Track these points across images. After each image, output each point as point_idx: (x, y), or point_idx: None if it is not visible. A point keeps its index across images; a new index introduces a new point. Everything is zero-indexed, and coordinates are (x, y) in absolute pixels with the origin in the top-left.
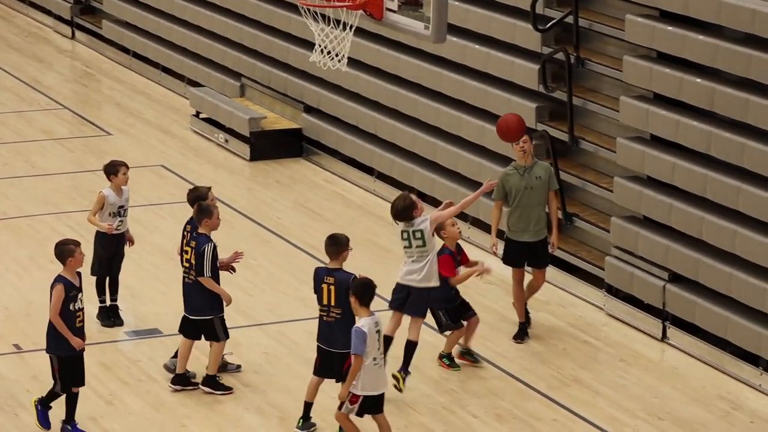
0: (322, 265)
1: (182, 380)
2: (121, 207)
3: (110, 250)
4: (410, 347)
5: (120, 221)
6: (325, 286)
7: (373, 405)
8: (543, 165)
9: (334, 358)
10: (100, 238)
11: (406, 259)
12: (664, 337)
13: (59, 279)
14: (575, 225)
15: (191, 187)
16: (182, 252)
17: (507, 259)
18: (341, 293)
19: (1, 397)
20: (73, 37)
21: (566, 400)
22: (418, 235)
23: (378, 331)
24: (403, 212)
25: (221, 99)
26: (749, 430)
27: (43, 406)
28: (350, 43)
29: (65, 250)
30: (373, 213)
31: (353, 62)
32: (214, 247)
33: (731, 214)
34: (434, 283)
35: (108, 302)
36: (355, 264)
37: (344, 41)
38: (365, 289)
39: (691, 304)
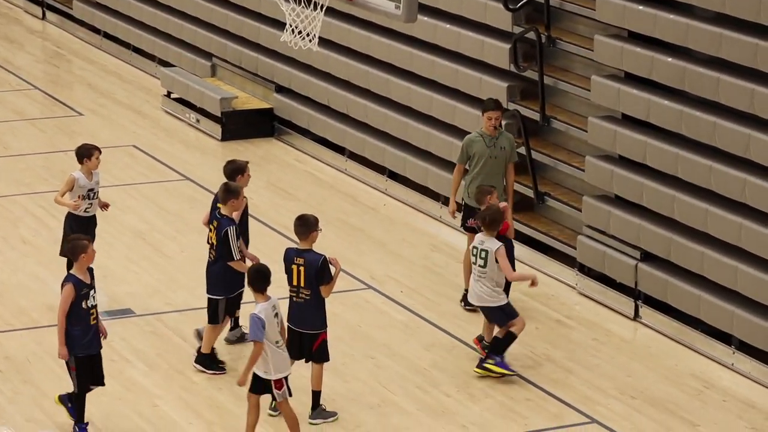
0: (293, 246)
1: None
2: (90, 190)
3: (80, 232)
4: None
5: (89, 203)
6: (294, 267)
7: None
8: (507, 136)
9: (304, 339)
10: (70, 220)
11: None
12: (636, 316)
13: (69, 278)
14: (547, 204)
15: (229, 159)
16: (209, 225)
17: (465, 225)
18: (311, 274)
19: None
20: (43, 17)
21: (539, 379)
22: (483, 254)
23: (276, 314)
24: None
25: (192, 79)
26: (721, 408)
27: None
28: (321, 23)
29: (78, 246)
30: (345, 192)
31: (324, 42)
32: (236, 228)
33: (703, 193)
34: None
35: None
36: (326, 244)
37: (315, 21)
38: (258, 275)
39: (663, 283)
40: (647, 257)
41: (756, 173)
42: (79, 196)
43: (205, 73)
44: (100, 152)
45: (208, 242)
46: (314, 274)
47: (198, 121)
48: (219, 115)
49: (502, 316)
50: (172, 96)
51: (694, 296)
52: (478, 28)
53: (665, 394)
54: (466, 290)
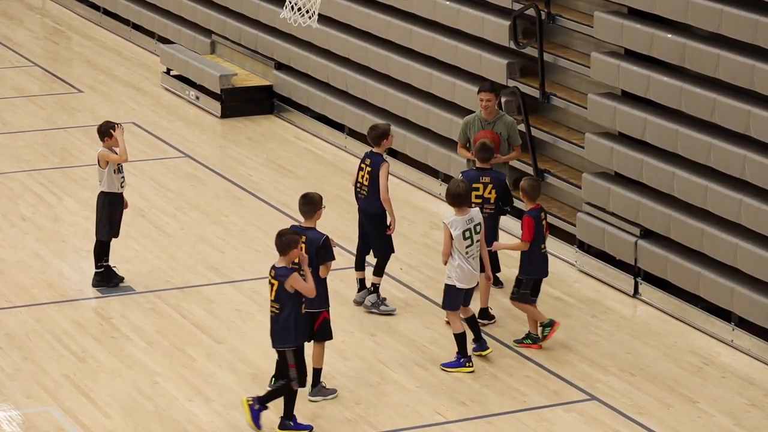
0: (297, 224)
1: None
2: (120, 165)
3: (119, 210)
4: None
5: (122, 177)
6: None
7: None
8: (506, 121)
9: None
10: (110, 199)
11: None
12: (635, 293)
13: (286, 271)
14: (546, 181)
15: (372, 124)
16: (356, 184)
17: None
18: (311, 252)
19: None
20: None
21: (538, 356)
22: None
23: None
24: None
25: (192, 56)
26: (721, 385)
27: (262, 404)
28: (320, 0)
29: (293, 240)
30: (344, 169)
31: (324, 19)
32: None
33: (703, 169)
34: None
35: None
36: (326, 221)
37: None
38: None
39: (662, 260)
40: (647, 234)
41: (756, 150)
42: (114, 171)
43: (205, 50)
44: (122, 128)
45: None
46: (315, 252)
47: (197, 98)
48: (218, 92)
49: None
50: (172, 73)
51: (693, 273)
52: (477, 5)
53: (665, 371)
54: None
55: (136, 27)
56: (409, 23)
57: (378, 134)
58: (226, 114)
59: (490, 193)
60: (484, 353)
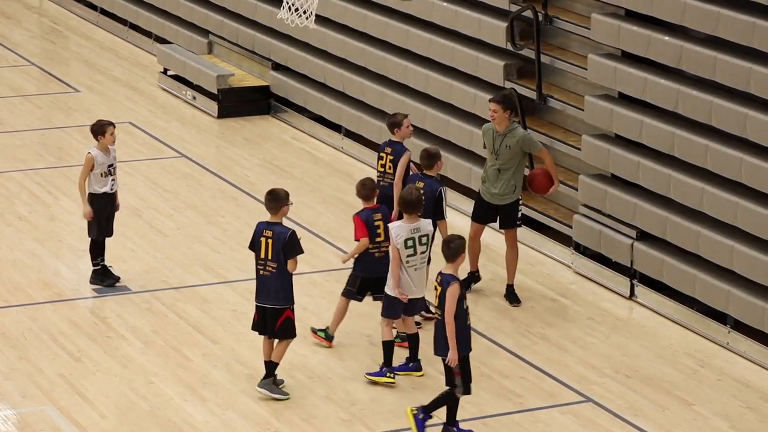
0: (263, 221)
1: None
2: (110, 166)
3: (107, 210)
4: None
5: (112, 180)
6: (263, 239)
7: None
8: (517, 135)
9: (266, 314)
10: (97, 199)
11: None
12: (632, 295)
13: (452, 278)
14: None
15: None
16: (378, 173)
17: (473, 215)
18: (278, 247)
19: None
20: None
21: (534, 358)
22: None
23: None
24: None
25: (189, 56)
26: (716, 387)
27: (426, 413)
28: (318, 1)
29: (462, 245)
30: (341, 170)
31: (321, 19)
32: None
33: (699, 172)
34: None
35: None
36: (322, 221)
37: None
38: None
39: (658, 262)
40: (643, 236)
41: (752, 152)
42: (100, 174)
43: (202, 50)
44: (114, 127)
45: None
46: (281, 248)
47: (194, 98)
48: (215, 92)
49: None
50: (169, 73)
51: (689, 275)
52: (474, 6)
53: (660, 373)
54: (471, 272)
55: (134, 27)
56: (406, 24)
57: (392, 122)
58: (222, 114)
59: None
60: (414, 374)
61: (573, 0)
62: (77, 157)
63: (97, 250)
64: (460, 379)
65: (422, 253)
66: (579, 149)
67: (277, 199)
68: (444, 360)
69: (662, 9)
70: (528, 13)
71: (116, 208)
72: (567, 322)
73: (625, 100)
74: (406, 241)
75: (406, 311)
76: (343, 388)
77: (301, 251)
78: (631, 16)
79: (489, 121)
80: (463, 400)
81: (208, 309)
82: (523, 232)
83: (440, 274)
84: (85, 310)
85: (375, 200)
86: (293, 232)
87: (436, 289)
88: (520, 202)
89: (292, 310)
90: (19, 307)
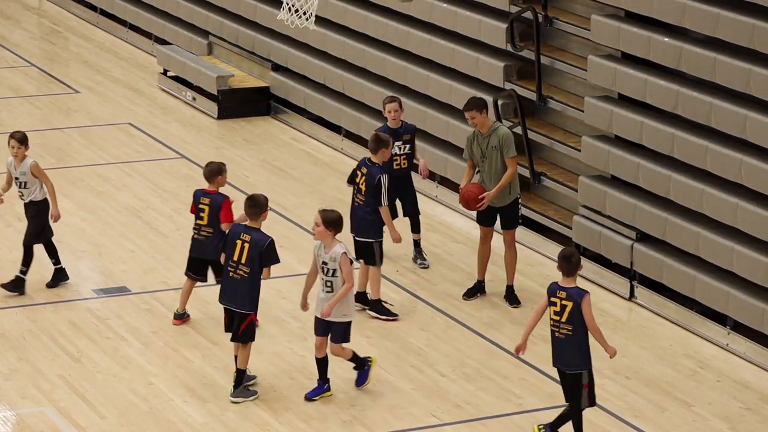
0: (243, 223)
1: (378, 307)
2: (16, 179)
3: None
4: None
5: (20, 192)
6: (239, 242)
7: None
8: (500, 133)
9: (234, 317)
10: (42, 207)
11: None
12: (631, 297)
13: (580, 290)
14: (543, 184)
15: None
16: (358, 170)
17: (478, 218)
18: (254, 253)
19: None
20: None
21: (534, 359)
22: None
23: None
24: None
25: (189, 57)
26: (715, 388)
27: (554, 430)
28: (318, 2)
29: (579, 260)
30: (341, 171)
31: (321, 20)
32: (388, 178)
33: (699, 173)
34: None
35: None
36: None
37: None
38: None
39: (658, 264)
40: (643, 237)
41: (752, 154)
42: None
43: (202, 51)
44: (15, 139)
45: (349, 182)
46: (258, 255)
47: (194, 99)
48: (215, 93)
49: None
50: (169, 74)
51: (689, 276)
52: (474, 7)
53: (660, 374)
54: (479, 281)
55: (134, 28)
56: (406, 25)
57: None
58: (222, 115)
59: (363, 184)
60: (317, 397)
61: (573, 1)
62: (77, 158)
63: (51, 253)
64: (587, 392)
65: (328, 273)
66: (579, 150)
67: (257, 205)
68: (567, 372)
69: (662, 10)
70: (528, 15)
71: (55, 218)
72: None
73: (624, 101)
74: (316, 258)
75: (317, 329)
76: (342, 389)
77: (278, 260)
78: (631, 18)
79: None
80: (463, 401)
81: (208, 310)
82: (522, 233)
83: (563, 288)
84: (84, 311)
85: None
86: (272, 241)
87: (555, 304)
88: (519, 201)
89: (255, 315)
90: (19, 308)
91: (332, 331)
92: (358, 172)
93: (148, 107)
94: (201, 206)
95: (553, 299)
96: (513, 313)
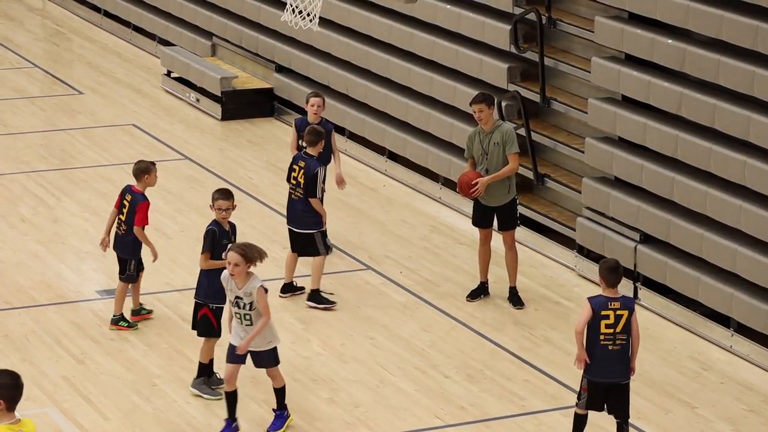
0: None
1: (290, 288)
2: None
3: None
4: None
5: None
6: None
7: None
8: (502, 130)
9: (195, 307)
10: None
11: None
12: (635, 298)
13: (592, 299)
14: (546, 186)
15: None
16: (295, 165)
17: (474, 220)
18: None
19: None
20: None
21: (537, 360)
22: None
23: None
24: None
25: (192, 58)
26: (719, 390)
27: None
28: (321, 3)
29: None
30: (345, 173)
31: (325, 22)
32: (325, 171)
33: (702, 175)
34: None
35: None
36: (327, 224)
37: (315, 1)
38: None
39: (662, 265)
40: (646, 239)
41: (756, 155)
42: None
43: (206, 52)
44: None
45: (289, 180)
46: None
47: (198, 100)
48: (219, 94)
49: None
50: (172, 75)
51: (692, 278)
52: (478, 9)
53: (663, 376)
54: (482, 282)
55: (137, 29)
56: (409, 27)
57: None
58: (226, 116)
59: (301, 177)
60: (283, 427)
61: (576, 3)
62: (81, 159)
63: None
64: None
65: (244, 307)
66: (582, 152)
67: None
68: (622, 383)
69: (665, 12)
70: (531, 16)
71: None
72: (570, 325)
73: (628, 103)
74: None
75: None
76: (346, 390)
77: (208, 249)
78: (635, 19)
79: (470, 115)
80: (466, 402)
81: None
82: (526, 235)
83: (614, 299)
84: (87, 312)
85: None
86: (209, 230)
87: (608, 317)
88: (517, 201)
89: (211, 309)
90: (22, 309)
91: (261, 359)
92: (295, 167)
93: (152, 108)
94: (124, 202)
95: (605, 312)
96: (516, 314)
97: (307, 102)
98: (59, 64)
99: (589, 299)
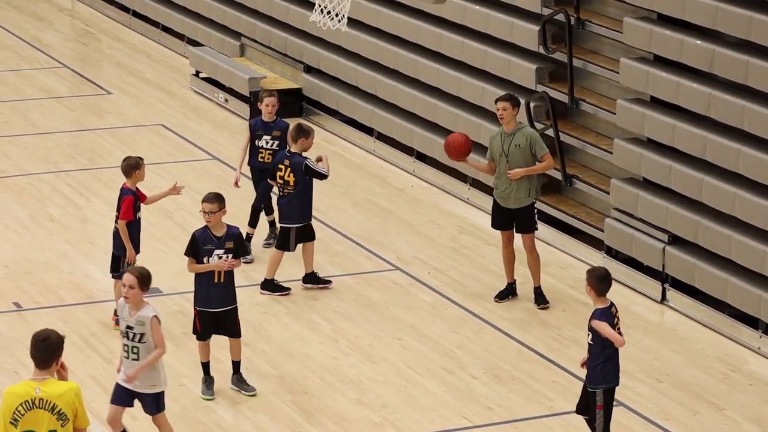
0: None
1: (270, 286)
2: None
3: None
4: None
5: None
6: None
7: None
8: (526, 132)
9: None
10: None
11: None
12: (663, 299)
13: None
14: (575, 187)
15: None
16: (280, 164)
17: (493, 223)
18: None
19: (2, 355)
20: None
21: (565, 361)
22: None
23: None
24: None
25: (221, 58)
26: (747, 392)
27: None
28: (350, 4)
29: None
30: (373, 173)
31: (353, 22)
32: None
33: (731, 176)
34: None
35: None
36: (353, 224)
37: (344, 1)
38: None
39: (690, 266)
40: (675, 240)
41: None
42: None
43: (234, 52)
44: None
45: (277, 180)
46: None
47: (227, 100)
48: (247, 94)
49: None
50: (201, 75)
51: (721, 280)
52: (507, 10)
53: (692, 378)
54: (509, 283)
55: (166, 29)
56: (438, 27)
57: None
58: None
59: (289, 176)
60: None
61: (605, 4)
62: (109, 159)
63: None
64: (603, 412)
65: (133, 340)
66: (611, 153)
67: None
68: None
69: (694, 13)
70: (560, 17)
71: None
72: None
73: (657, 104)
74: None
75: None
76: (374, 390)
77: (188, 253)
78: (663, 20)
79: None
80: (494, 403)
81: (239, 312)
82: (554, 236)
83: (612, 306)
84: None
85: None
86: (192, 234)
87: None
88: (536, 204)
89: (195, 310)
90: (51, 308)
91: (144, 402)
92: (281, 166)
93: (181, 109)
94: (118, 199)
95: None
96: (544, 315)
97: (261, 101)
98: (88, 64)
99: (601, 318)
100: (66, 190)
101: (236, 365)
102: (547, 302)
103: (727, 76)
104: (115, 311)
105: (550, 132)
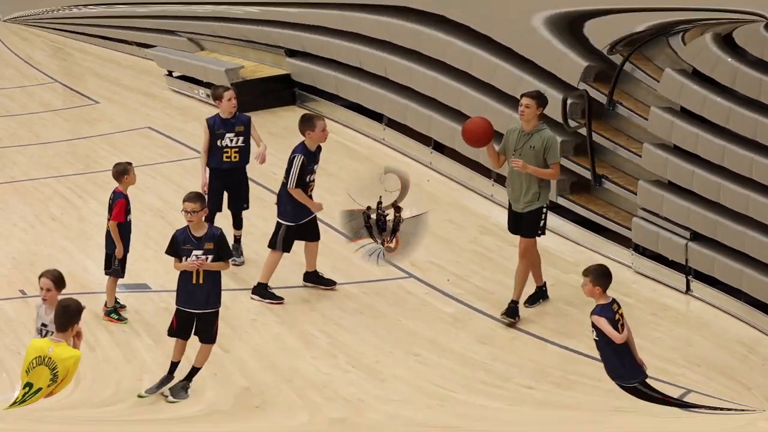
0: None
1: (261, 291)
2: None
3: None
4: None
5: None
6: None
7: None
8: (544, 135)
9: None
10: None
11: None
12: (688, 290)
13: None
14: (604, 186)
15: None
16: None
17: (509, 226)
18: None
19: (8, 337)
20: None
21: None
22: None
23: None
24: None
25: (186, 55)
26: (763, 371)
27: None
28: None
29: None
30: (382, 165)
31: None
32: (305, 159)
33: (746, 181)
34: None
35: None
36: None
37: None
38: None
39: (710, 260)
40: (696, 237)
41: None
42: None
43: (191, 49)
44: None
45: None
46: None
47: (208, 95)
48: (229, 87)
49: None
50: (175, 74)
51: (737, 271)
52: None
53: (722, 361)
54: (539, 287)
55: (118, 39)
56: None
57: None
58: (241, 109)
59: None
60: None
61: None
62: (103, 163)
63: None
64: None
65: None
66: (640, 156)
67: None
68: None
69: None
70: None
71: None
72: (632, 320)
73: (685, 114)
74: (36, 320)
75: None
76: (386, 411)
77: (168, 252)
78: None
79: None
80: (564, 405)
81: (226, 316)
82: (583, 235)
83: (614, 302)
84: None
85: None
86: (173, 234)
87: (619, 320)
88: (545, 210)
89: (176, 311)
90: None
91: None
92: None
93: (164, 110)
94: (109, 201)
95: (616, 317)
96: (578, 316)
97: (220, 98)
98: (73, 78)
99: (600, 313)
100: (66, 192)
101: (193, 371)
102: (517, 317)
103: (745, 93)
104: (105, 303)
105: (583, 131)
